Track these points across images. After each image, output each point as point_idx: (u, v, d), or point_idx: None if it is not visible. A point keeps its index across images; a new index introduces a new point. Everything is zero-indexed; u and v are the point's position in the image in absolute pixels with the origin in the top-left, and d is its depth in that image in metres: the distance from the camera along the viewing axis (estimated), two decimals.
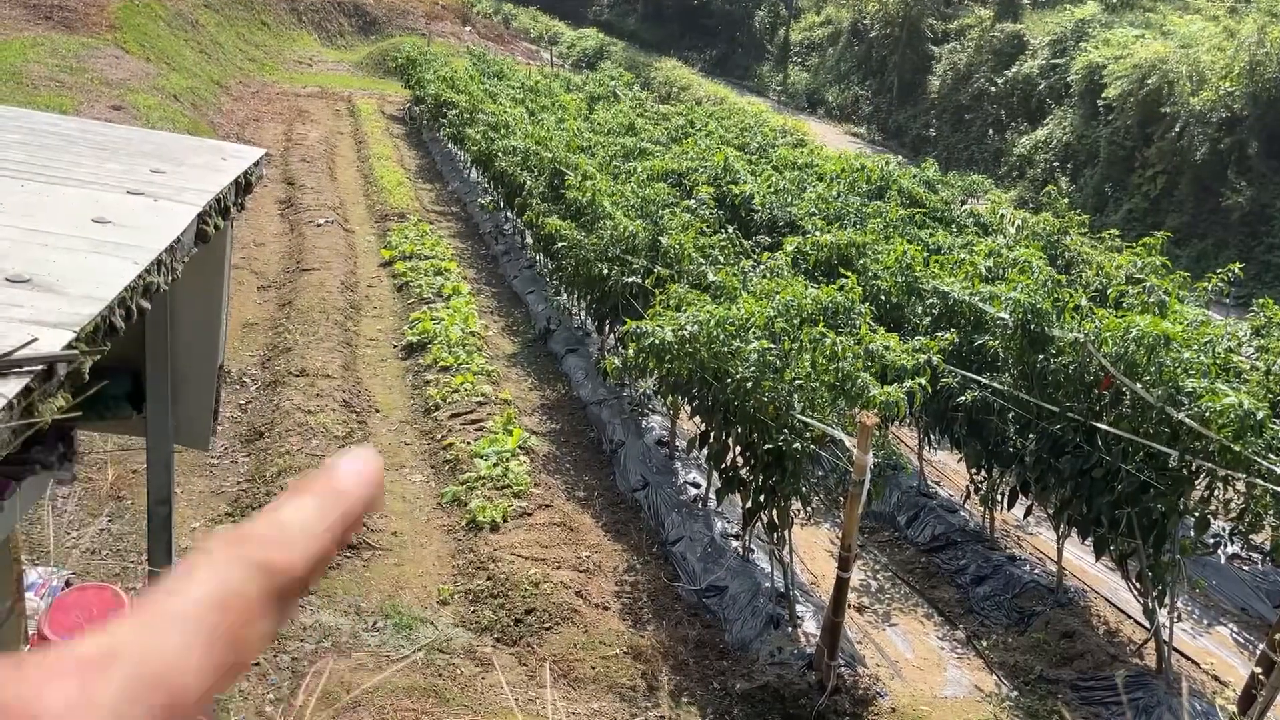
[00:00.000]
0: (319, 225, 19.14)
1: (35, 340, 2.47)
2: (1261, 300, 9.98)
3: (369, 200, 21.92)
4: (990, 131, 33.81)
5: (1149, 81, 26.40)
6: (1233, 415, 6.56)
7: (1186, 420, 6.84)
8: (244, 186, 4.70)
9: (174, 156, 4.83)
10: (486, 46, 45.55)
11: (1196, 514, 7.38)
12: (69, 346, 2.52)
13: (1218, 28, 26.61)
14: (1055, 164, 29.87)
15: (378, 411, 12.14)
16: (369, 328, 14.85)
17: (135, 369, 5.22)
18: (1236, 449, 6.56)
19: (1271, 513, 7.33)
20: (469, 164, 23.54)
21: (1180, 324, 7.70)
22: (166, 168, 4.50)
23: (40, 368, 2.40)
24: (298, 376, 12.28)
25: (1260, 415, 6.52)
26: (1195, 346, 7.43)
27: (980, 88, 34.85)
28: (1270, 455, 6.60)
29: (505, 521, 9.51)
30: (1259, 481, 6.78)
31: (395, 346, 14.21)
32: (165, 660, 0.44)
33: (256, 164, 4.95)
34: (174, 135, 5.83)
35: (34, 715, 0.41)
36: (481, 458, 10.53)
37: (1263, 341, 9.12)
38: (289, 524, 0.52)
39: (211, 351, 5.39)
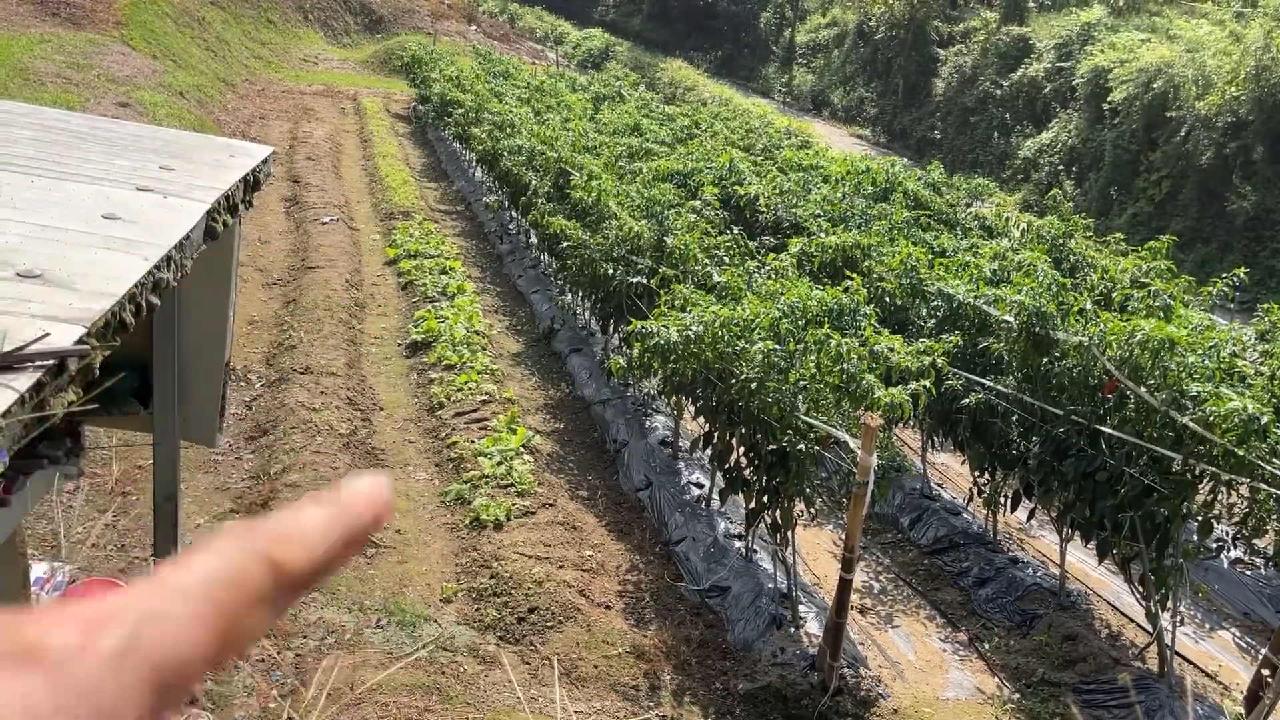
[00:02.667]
0: (324, 223, 19.17)
1: (47, 335, 2.49)
2: (1266, 305, 9.99)
3: (374, 198, 21.95)
4: (995, 134, 33.79)
5: (1154, 85, 26.38)
6: (1237, 420, 6.56)
7: (1191, 424, 6.84)
8: (252, 184, 4.72)
9: (183, 153, 4.85)
10: (492, 46, 45.60)
11: (1200, 518, 7.38)
12: (80, 342, 2.53)
13: (1224, 32, 26.59)
14: (1060, 167, 29.85)
15: (382, 409, 12.16)
16: (373, 326, 14.87)
17: (143, 364, 5.24)
18: (1241, 453, 6.56)
19: (1275, 517, 7.34)
20: (474, 163, 23.55)
21: (1185, 328, 7.70)
22: (175, 164, 4.52)
23: (52, 363, 2.42)
24: (302, 374, 12.31)
25: (1265, 420, 6.52)
26: (1200, 351, 7.43)
27: (985, 90, 34.83)
28: (1274, 460, 6.60)
29: (509, 520, 9.52)
30: (1263, 486, 6.78)
31: (400, 345, 14.23)
32: (165, 627, 0.47)
33: (264, 161, 4.97)
34: (183, 132, 5.85)
35: (34, 659, 0.43)
36: (485, 456, 10.54)
37: (1268, 346, 9.12)
38: (297, 526, 0.54)
39: (219, 348, 5.41)
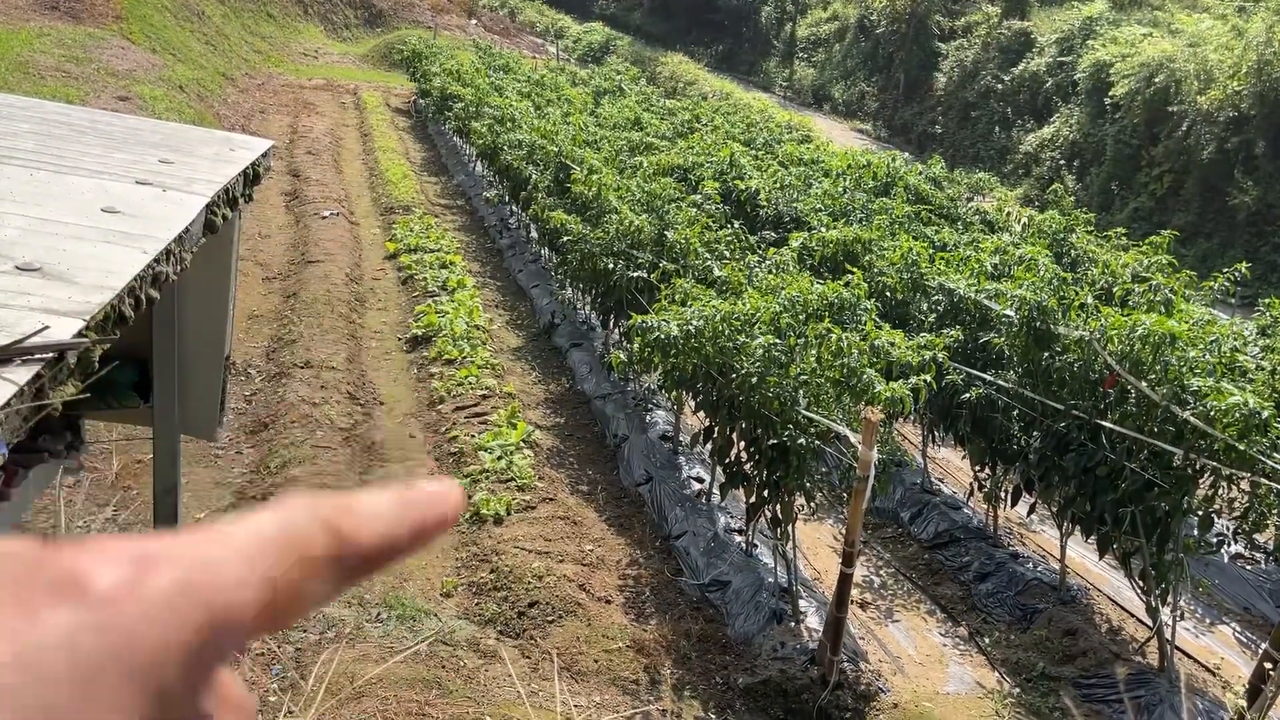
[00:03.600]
0: (324, 218, 19.15)
1: (46, 328, 2.48)
2: (1268, 300, 9.98)
3: (374, 193, 21.93)
4: (996, 129, 33.75)
5: (1156, 80, 26.35)
6: (1238, 414, 6.55)
7: (1191, 419, 6.84)
8: (252, 178, 4.71)
9: (183, 147, 4.84)
10: (492, 40, 45.53)
11: (1200, 513, 7.37)
12: (79, 335, 2.53)
13: (1226, 26, 26.54)
14: (1061, 162, 29.83)
15: (382, 404, 12.16)
16: (374, 320, 14.86)
17: (143, 358, 5.24)
18: (1241, 448, 6.56)
19: (1276, 512, 7.34)
20: (474, 157, 23.53)
21: (1186, 323, 7.69)
22: (175, 158, 4.51)
23: (51, 355, 2.41)
24: (302, 368, 12.30)
25: (1265, 414, 6.51)
26: (1201, 345, 7.42)
27: (987, 85, 34.78)
28: (1275, 454, 6.59)
29: (509, 515, 9.52)
30: (1263, 481, 6.78)
31: (400, 339, 14.23)
32: (222, 575, 0.44)
33: (264, 155, 4.96)
34: (182, 126, 5.83)
35: (83, 589, 0.41)
36: (486, 451, 10.54)
37: (1268, 341, 9.11)
38: (366, 504, 0.52)
39: (219, 342, 5.40)
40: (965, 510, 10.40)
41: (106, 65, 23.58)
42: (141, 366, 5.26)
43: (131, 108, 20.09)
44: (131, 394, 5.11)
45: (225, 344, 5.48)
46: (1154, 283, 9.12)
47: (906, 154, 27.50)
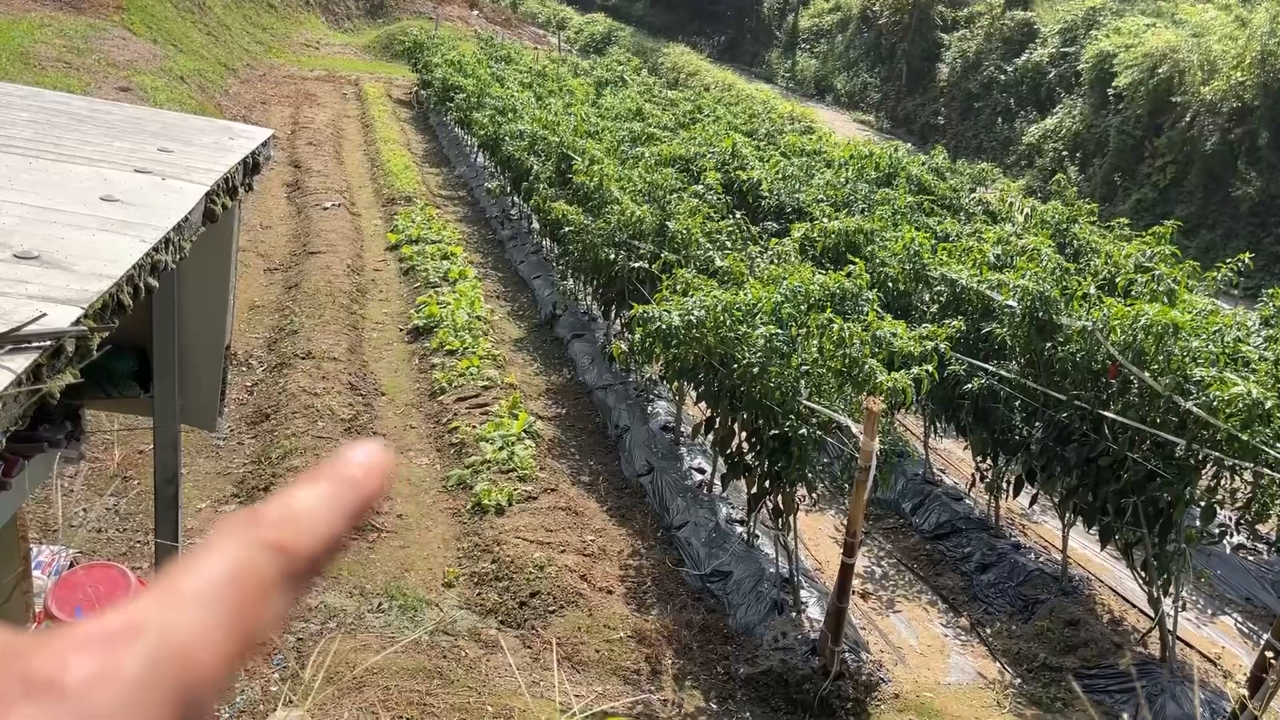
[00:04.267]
0: (325, 209, 19.13)
1: (44, 316, 2.47)
2: (1271, 290, 9.94)
3: (375, 184, 21.90)
4: (999, 120, 33.63)
5: (1160, 71, 26.24)
6: (1241, 404, 6.54)
7: (1194, 409, 6.82)
8: (252, 167, 4.70)
9: (182, 136, 4.82)
10: (494, 31, 45.42)
11: (1203, 503, 7.36)
12: (77, 323, 2.52)
13: (1229, 17, 26.42)
14: (1064, 153, 29.73)
15: (383, 395, 12.15)
16: (375, 311, 14.85)
17: (143, 348, 5.23)
18: (1244, 438, 6.54)
19: (1278, 503, 7.32)
20: (476, 148, 23.49)
21: (1189, 313, 7.67)
22: (175, 147, 4.49)
23: (49, 344, 2.40)
24: (304, 359, 12.30)
25: (1269, 404, 6.50)
26: (1204, 335, 7.40)
27: (990, 76, 34.66)
28: (1278, 445, 6.58)
29: (510, 505, 9.52)
30: (1266, 471, 6.77)
31: (401, 330, 14.22)
32: (187, 636, 0.45)
33: (264, 144, 4.94)
34: (182, 115, 5.82)
35: (57, 686, 0.41)
36: (487, 441, 10.54)
37: (1272, 331, 9.08)
38: (301, 508, 0.53)
39: (219, 332, 5.39)
40: (967, 501, 10.39)
41: (107, 56, 23.54)
42: (141, 356, 5.25)
43: (132, 98, 20.06)
44: (131, 383, 5.11)
45: (225, 334, 5.47)
46: (1157, 273, 9.09)
47: (909, 145, 27.44)
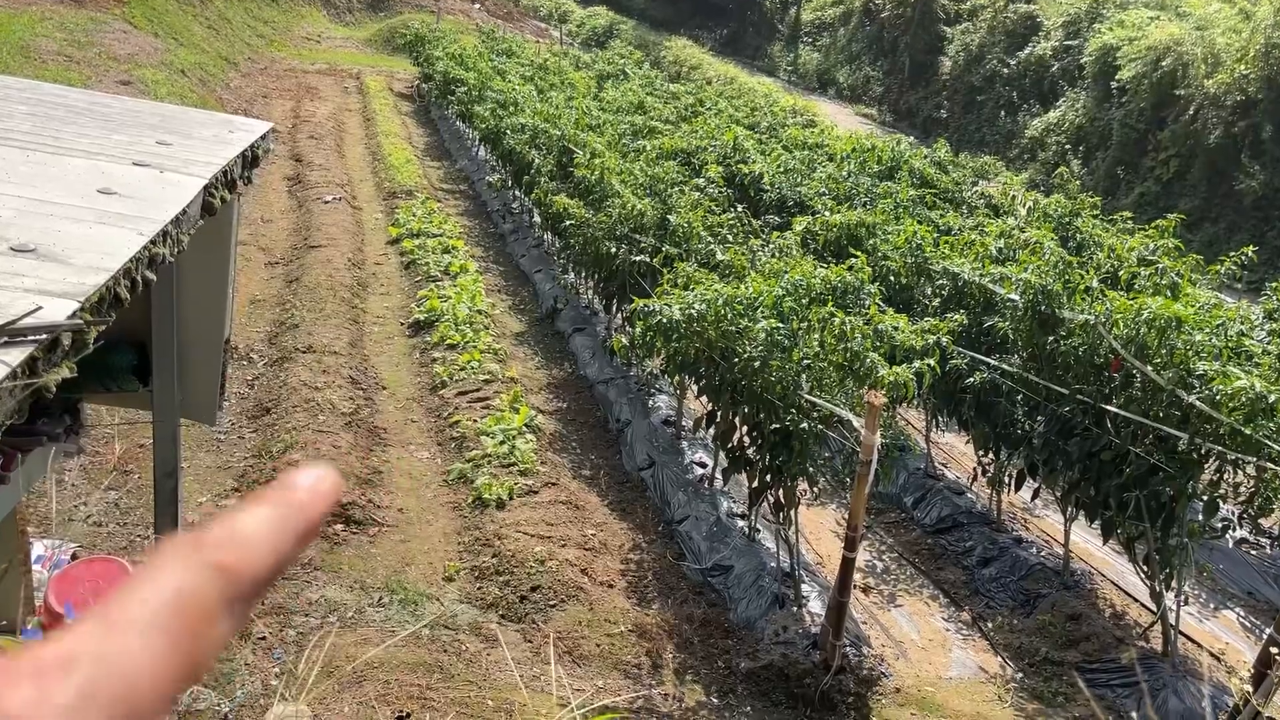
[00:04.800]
0: (326, 202, 19.11)
1: (40, 309, 2.46)
2: (1275, 284, 9.91)
3: (377, 178, 21.87)
4: (1002, 113, 33.56)
5: (1163, 64, 26.17)
6: (1244, 398, 6.51)
7: (1197, 403, 6.80)
8: (251, 160, 4.67)
9: (181, 129, 4.80)
10: (496, 24, 45.33)
11: (1205, 498, 7.34)
12: (74, 316, 2.50)
13: (1233, 9, 26.35)
14: (1067, 146, 29.66)
15: (384, 389, 12.14)
16: (376, 305, 14.84)
17: (142, 342, 5.22)
18: (1247, 432, 6.52)
19: None
20: (477, 142, 23.45)
21: (1192, 306, 7.64)
22: (173, 140, 4.48)
23: (45, 337, 2.39)
24: (305, 353, 12.28)
25: (1272, 399, 6.47)
26: (1207, 329, 7.37)
27: (992, 69, 34.57)
28: None
29: (511, 499, 9.51)
30: (1269, 465, 6.74)
31: (402, 324, 14.20)
32: (124, 664, 0.45)
33: (264, 137, 4.92)
34: (181, 108, 5.79)
35: None
36: (488, 435, 10.53)
37: (1275, 325, 9.06)
38: (245, 530, 0.53)
39: (218, 326, 5.38)
40: (968, 495, 10.37)
41: (108, 49, 23.50)
42: (141, 350, 5.24)
43: (133, 92, 20.03)
44: (130, 378, 5.10)
45: (225, 328, 5.45)
46: (1160, 266, 9.06)
47: (911, 138, 27.37)
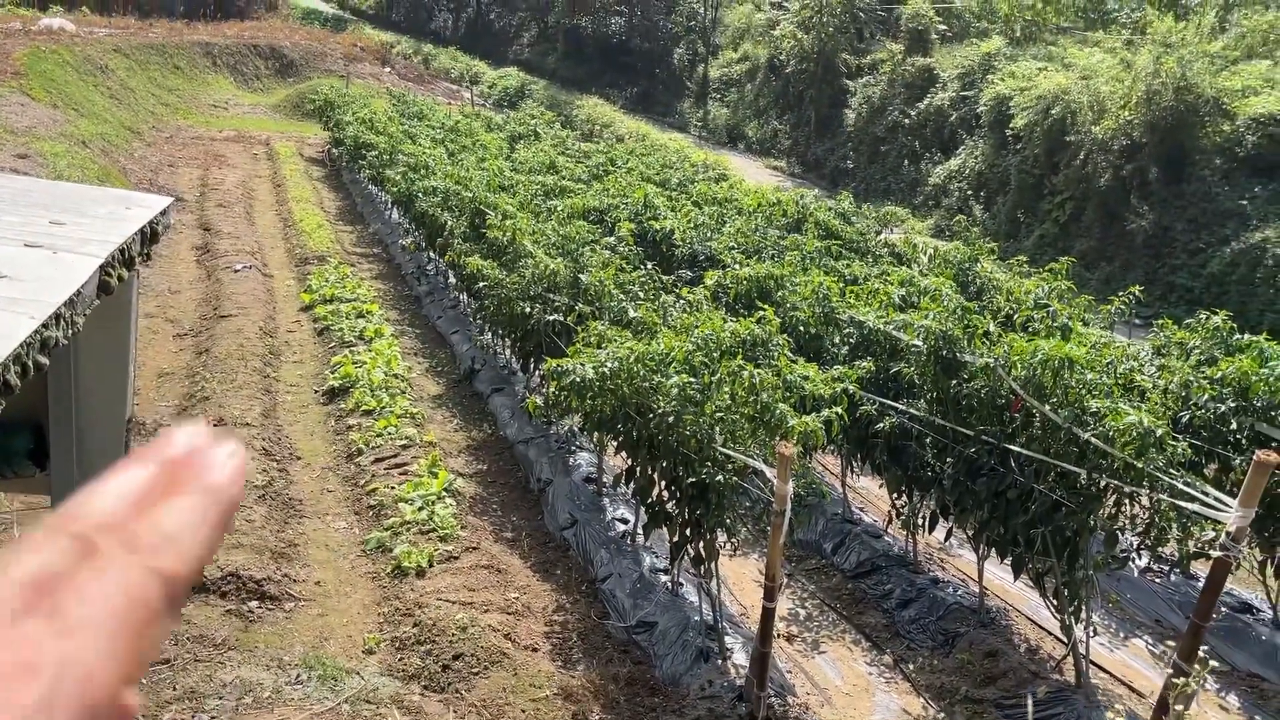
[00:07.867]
0: (237, 271, 18.84)
1: None
2: (1160, 321, 10.37)
3: (288, 244, 21.66)
4: (905, 162, 34.65)
5: (1053, 111, 27.36)
6: (1134, 433, 6.79)
7: (1092, 439, 7.06)
8: (150, 236, 4.65)
9: (76, 207, 4.76)
10: (407, 87, 45.46)
11: (1106, 530, 7.59)
12: None
13: (1115, 59, 27.71)
14: (969, 192, 30.72)
15: (299, 459, 11.94)
16: (290, 374, 14.63)
17: (39, 423, 5.09)
18: (1139, 466, 6.79)
19: (1175, 526, 7.59)
20: (390, 205, 23.42)
21: (1084, 346, 7.95)
22: (67, 219, 4.43)
23: None
24: (216, 426, 12.04)
25: (1159, 432, 6.76)
26: (1098, 368, 7.68)
27: (894, 120, 35.74)
28: (1171, 470, 6.84)
29: (431, 566, 9.40)
30: (1162, 497, 7.02)
31: (317, 392, 14.01)
32: (83, 666, 0.48)
33: (163, 213, 4.90)
34: (77, 186, 5.73)
35: None
36: (406, 502, 10.41)
37: (1163, 361, 9.47)
38: (175, 526, 0.55)
39: (120, 404, 5.28)
40: (886, 538, 10.55)
41: (5, 123, 22.99)
42: (38, 432, 5.11)
43: (31, 165, 19.60)
44: (26, 462, 4.97)
45: (127, 406, 5.35)
46: (1051, 309, 9.42)
47: (819, 189, 28.08)
